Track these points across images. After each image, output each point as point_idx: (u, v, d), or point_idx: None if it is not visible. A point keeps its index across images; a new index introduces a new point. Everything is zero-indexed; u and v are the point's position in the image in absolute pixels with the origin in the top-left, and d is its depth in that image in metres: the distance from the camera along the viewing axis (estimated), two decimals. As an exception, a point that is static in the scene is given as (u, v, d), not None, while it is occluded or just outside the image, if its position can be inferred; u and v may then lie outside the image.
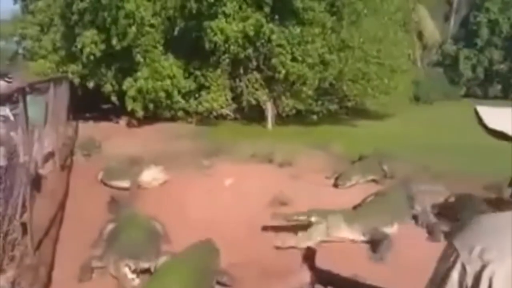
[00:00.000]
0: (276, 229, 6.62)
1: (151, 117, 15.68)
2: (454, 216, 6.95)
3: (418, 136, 13.65)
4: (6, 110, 6.02)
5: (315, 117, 15.90)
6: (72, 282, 5.39)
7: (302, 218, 6.32)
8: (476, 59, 28.41)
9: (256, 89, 16.01)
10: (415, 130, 14.66)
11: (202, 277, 5.05)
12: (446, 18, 30.11)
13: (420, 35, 27.61)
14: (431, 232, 6.81)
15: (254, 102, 16.12)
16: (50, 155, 9.74)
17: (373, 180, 9.31)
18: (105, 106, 16.63)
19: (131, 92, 15.14)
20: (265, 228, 6.79)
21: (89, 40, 15.05)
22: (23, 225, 5.58)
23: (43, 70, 16.31)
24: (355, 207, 7.23)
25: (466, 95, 27.87)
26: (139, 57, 15.08)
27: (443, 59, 29.69)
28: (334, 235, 6.34)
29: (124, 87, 15.35)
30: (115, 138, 13.52)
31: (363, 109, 18.11)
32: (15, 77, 9.04)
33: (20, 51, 21.54)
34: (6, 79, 8.50)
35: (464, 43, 29.07)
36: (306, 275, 2.58)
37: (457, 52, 28.97)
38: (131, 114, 15.64)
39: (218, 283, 5.23)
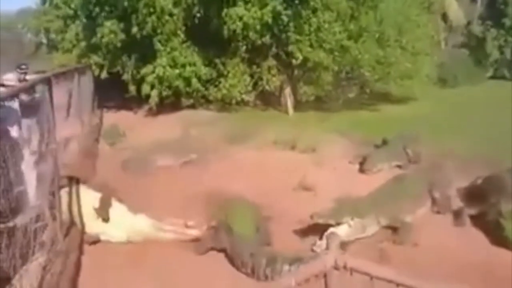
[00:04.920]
0: (299, 215, 6.60)
1: (172, 105, 15.78)
2: (482, 199, 6.79)
3: (442, 119, 13.36)
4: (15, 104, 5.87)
5: (335, 102, 15.73)
6: (102, 268, 5.53)
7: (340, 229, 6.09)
8: (503, 39, 27.54)
9: (274, 76, 15.92)
10: (440, 113, 14.35)
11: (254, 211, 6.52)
12: (473, -1, 29.18)
13: (444, 17, 26.88)
14: (457, 217, 6.70)
15: (272, 88, 16.04)
16: (75, 143, 9.95)
17: (398, 165, 9.21)
18: (127, 95, 16.80)
19: (149, 79, 15.26)
20: (287, 212, 6.83)
21: (108, 30, 15.22)
22: (52, 212, 5.73)
23: (67, 62, 16.63)
24: (373, 194, 7.10)
25: (493, 77, 27.08)
26: (159, 45, 15.15)
27: (468, 40, 28.84)
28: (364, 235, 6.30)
29: (142, 73, 15.49)
30: (138, 126, 13.72)
31: (385, 93, 17.80)
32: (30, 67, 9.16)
33: (44, 41, 21.96)
34: (19, 70, 8.61)
35: (491, 23, 28.18)
36: (330, 259, 2.57)
37: (484, 32, 28.12)
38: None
39: None
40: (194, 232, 5.97)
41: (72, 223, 6.42)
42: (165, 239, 6.19)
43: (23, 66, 8.71)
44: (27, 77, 8.02)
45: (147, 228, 6.08)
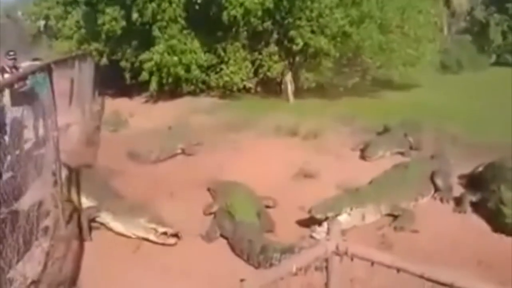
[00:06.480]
0: (301, 202, 6.62)
1: (173, 92, 15.73)
2: (483, 185, 6.80)
3: (444, 106, 13.29)
4: None
5: (336, 89, 15.64)
6: (103, 253, 5.56)
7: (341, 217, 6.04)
8: (507, 25, 27.28)
9: (275, 62, 15.83)
10: (442, 100, 14.27)
11: (256, 198, 6.67)
12: (477, -17, 28.83)
13: (447, 2, 26.62)
14: (458, 203, 6.70)
15: (273, 75, 15.94)
16: (77, 130, 9.95)
17: (399, 152, 9.20)
18: (128, 82, 16.73)
19: (147, 66, 15.20)
20: (289, 200, 6.84)
21: (109, 17, 15.16)
22: (54, 197, 5.75)
23: (68, 49, 16.60)
24: (374, 182, 7.10)
25: (496, 63, 26.92)
26: (157, 32, 15.07)
27: (471, 26, 28.59)
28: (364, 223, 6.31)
29: (140, 59, 15.43)
30: (139, 113, 13.70)
31: (387, 80, 17.70)
32: (19, 54, 9.14)
33: (42, 29, 21.84)
34: (7, 56, 8.60)
35: (495, 9, 27.90)
36: (331, 244, 2.59)
37: (487, 18, 27.86)
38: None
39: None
40: (164, 240, 5.86)
41: (74, 209, 6.46)
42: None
43: (11, 53, 8.73)
44: (22, 64, 7.99)
45: (124, 232, 6.09)
